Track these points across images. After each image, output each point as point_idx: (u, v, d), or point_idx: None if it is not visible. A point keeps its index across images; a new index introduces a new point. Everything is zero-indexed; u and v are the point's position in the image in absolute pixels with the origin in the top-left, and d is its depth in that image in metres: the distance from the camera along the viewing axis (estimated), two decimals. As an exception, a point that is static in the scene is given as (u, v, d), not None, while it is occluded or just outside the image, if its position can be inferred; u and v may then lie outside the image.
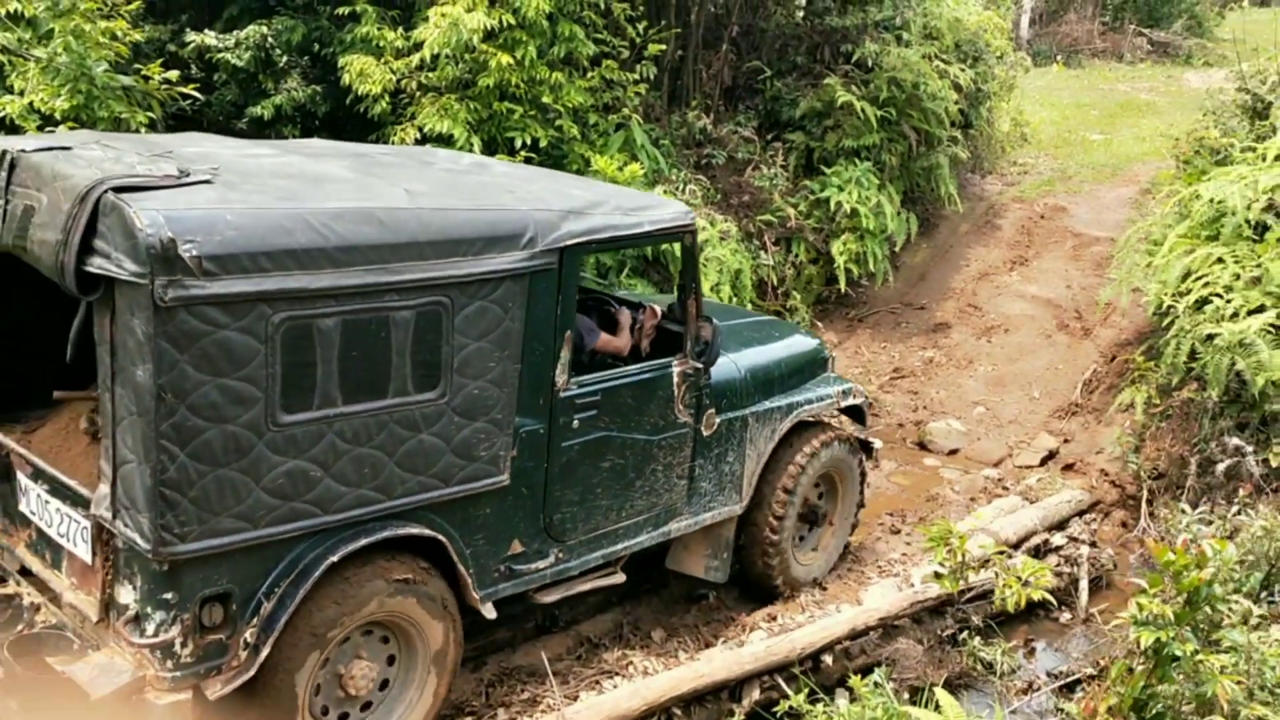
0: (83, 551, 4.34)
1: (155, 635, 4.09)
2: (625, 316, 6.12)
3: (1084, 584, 7.35)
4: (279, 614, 4.25)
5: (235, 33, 10.41)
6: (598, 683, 5.63)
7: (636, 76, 10.44)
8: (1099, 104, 19.38)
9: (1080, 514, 8.15)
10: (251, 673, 4.25)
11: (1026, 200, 13.63)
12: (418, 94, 9.77)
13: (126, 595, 4.17)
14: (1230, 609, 4.24)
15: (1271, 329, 7.14)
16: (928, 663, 6.18)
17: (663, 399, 5.69)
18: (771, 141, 11.66)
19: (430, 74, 9.68)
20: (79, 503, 4.32)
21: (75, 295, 3.95)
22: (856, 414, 7.14)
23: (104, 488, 4.09)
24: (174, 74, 7.68)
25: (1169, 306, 7.91)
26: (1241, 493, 6.72)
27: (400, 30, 9.95)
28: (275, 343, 4.04)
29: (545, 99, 9.74)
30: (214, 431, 3.97)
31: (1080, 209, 13.30)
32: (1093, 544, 7.79)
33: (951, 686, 5.86)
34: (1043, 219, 13.10)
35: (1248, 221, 7.75)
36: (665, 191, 9.86)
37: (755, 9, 12.43)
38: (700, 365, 5.83)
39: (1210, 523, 4.41)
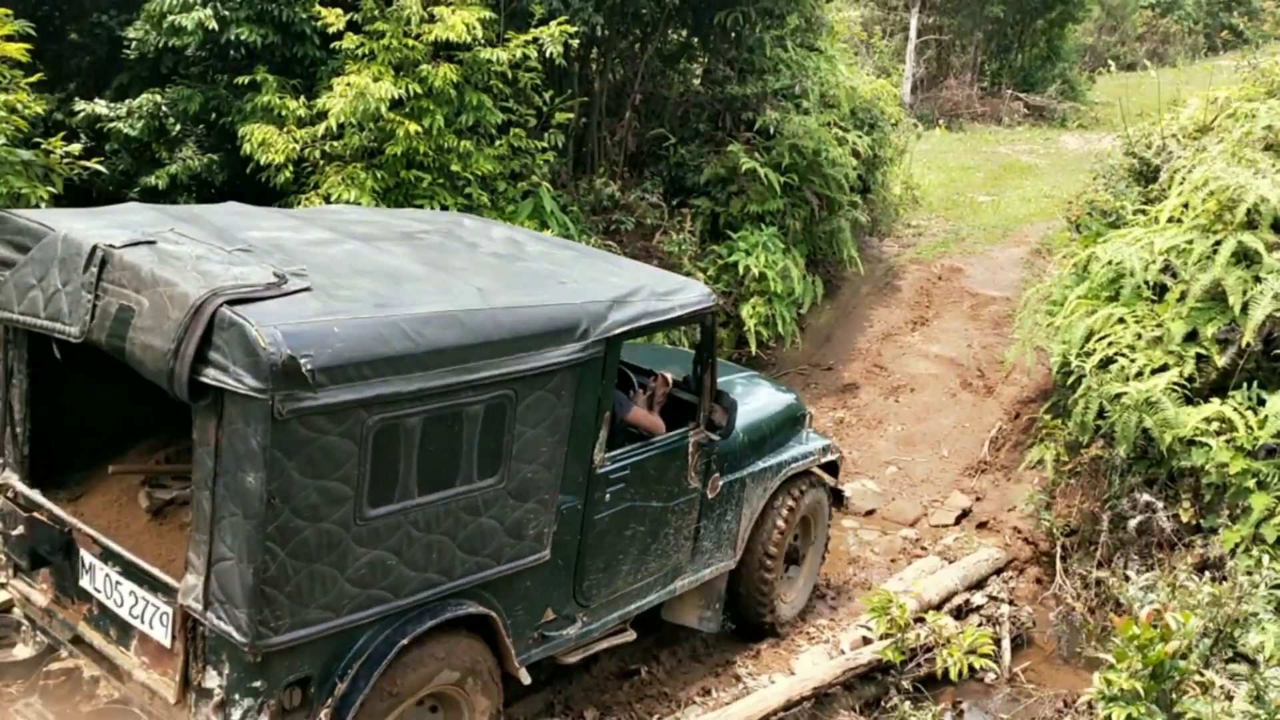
0: (160, 634, 4.46)
1: None
2: (657, 384, 6.45)
3: (1006, 643, 7.40)
4: (353, 695, 4.45)
5: (127, 101, 10.14)
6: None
7: (544, 144, 10.43)
8: (983, 166, 20.04)
9: (997, 572, 8.25)
10: None
11: (923, 261, 13.96)
12: (322, 163, 9.60)
13: (211, 680, 4.31)
14: (1193, 680, 4.30)
15: (1176, 387, 7.35)
16: (871, 735, 6.14)
17: (678, 468, 6.07)
18: (678, 207, 11.74)
19: (335, 143, 9.52)
20: (158, 588, 4.45)
21: (183, 401, 4.06)
22: (832, 469, 7.59)
23: (193, 579, 4.23)
24: (76, 147, 7.39)
25: (1075, 366, 8.09)
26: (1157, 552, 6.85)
27: (302, 99, 9.80)
28: (368, 443, 4.25)
29: (454, 167, 9.65)
30: (310, 530, 4.16)
31: (975, 269, 13.66)
32: (1011, 602, 7.88)
33: (896, 758, 5.83)
34: (940, 280, 13.42)
35: (1146, 282, 7.99)
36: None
37: (655, 77, 12.57)
38: (715, 437, 6.21)
39: (1149, 588, 4.46)
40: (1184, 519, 7.25)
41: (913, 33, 23.45)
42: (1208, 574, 5.97)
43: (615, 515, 5.64)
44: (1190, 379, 7.43)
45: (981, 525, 9.05)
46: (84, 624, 4.89)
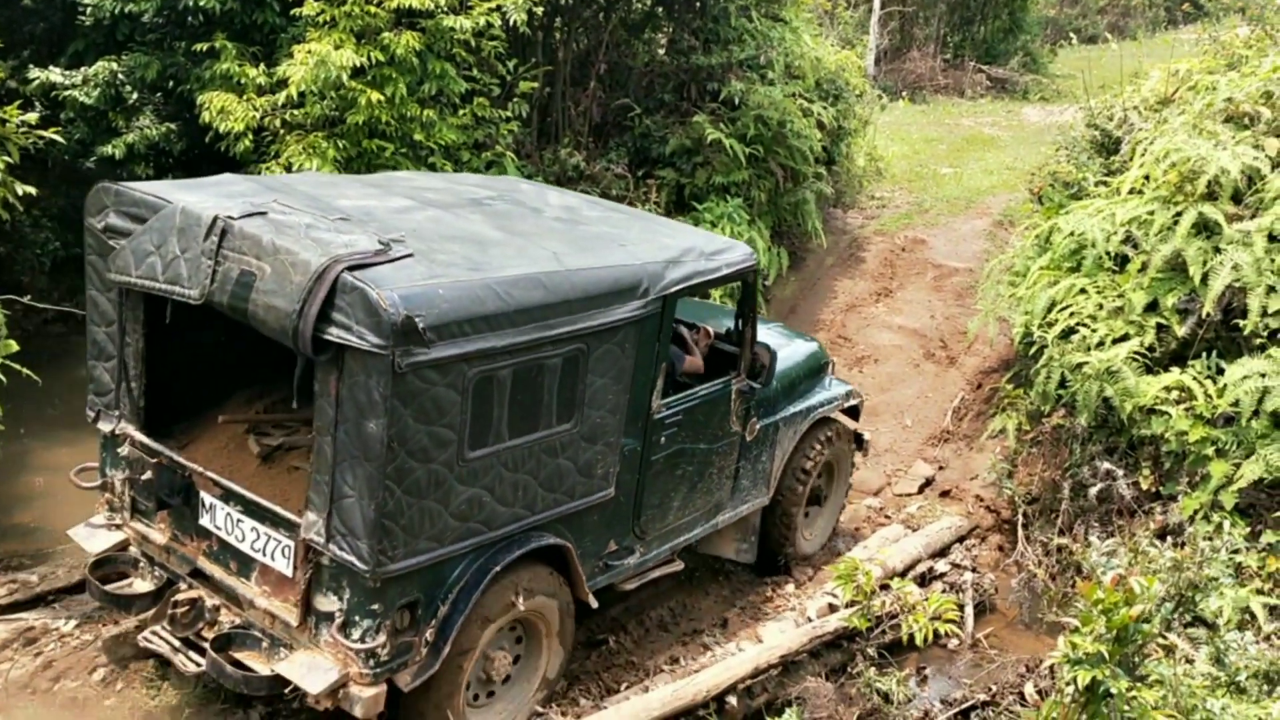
0: (281, 566, 5.01)
1: (362, 640, 4.79)
2: (700, 337, 7.05)
3: (969, 610, 7.49)
4: (454, 617, 5.02)
5: (83, 69, 9.97)
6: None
7: (508, 114, 10.36)
8: (946, 138, 20.10)
9: (960, 540, 8.33)
10: (436, 668, 5.01)
11: (887, 233, 14.01)
12: (282, 132, 9.49)
13: (331, 604, 4.86)
14: (1156, 643, 4.37)
15: (1136, 356, 7.44)
16: (838, 700, 6.19)
17: (722, 413, 6.63)
18: (643, 178, 11.70)
19: (296, 111, 9.41)
20: (280, 524, 4.99)
21: (305, 356, 4.54)
22: (853, 412, 8.08)
23: (314, 516, 4.74)
24: (32, 116, 7.24)
25: (1037, 336, 8.17)
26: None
27: (262, 67, 9.68)
28: (468, 394, 4.76)
29: (417, 136, 9.57)
30: (421, 470, 4.68)
31: (938, 241, 13.73)
32: (974, 569, 7.97)
33: (864, 724, 5.89)
34: (904, 251, 13.47)
35: (1108, 253, 8.07)
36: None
37: (620, 46, 12.49)
38: (754, 384, 6.77)
39: (1111, 554, 4.52)
40: (1144, 486, 7.35)
41: (876, 4, 23.40)
42: (1169, 540, 6.06)
43: (668, 456, 6.22)
44: (1150, 349, 7.52)
45: (944, 494, 9.12)
46: (203, 558, 5.43)
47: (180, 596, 5.41)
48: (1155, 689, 4.15)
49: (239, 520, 5.19)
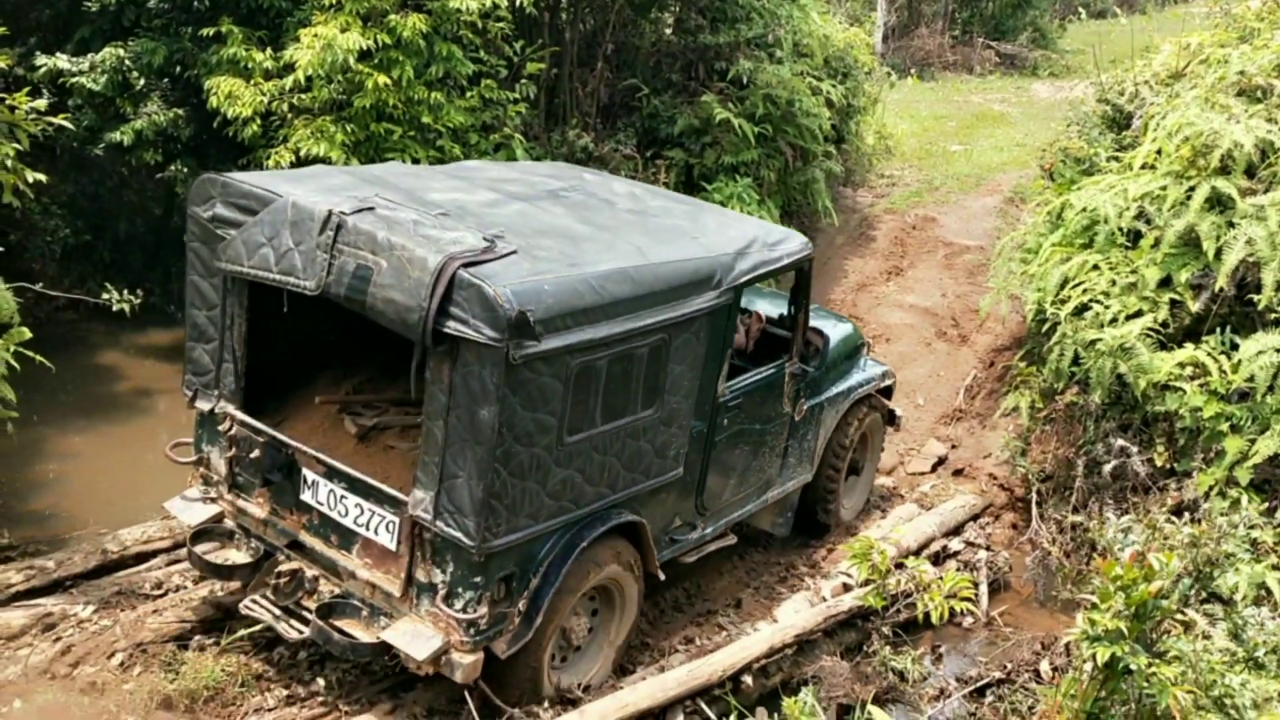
0: (385, 540, 5.31)
1: (465, 610, 5.09)
2: (752, 321, 7.28)
3: (984, 588, 7.49)
4: (545, 588, 5.33)
5: (90, 55, 9.96)
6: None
7: (516, 95, 10.33)
8: (955, 116, 19.99)
9: (974, 518, 8.33)
10: (529, 636, 5.32)
11: (897, 211, 13.95)
12: (290, 116, 9.47)
13: (434, 577, 5.16)
14: (1174, 619, 4.36)
15: (1150, 333, 7.40)
16: (854, 679, 6.20)
17: (776, 395, 6.93)
18: (652, 159, 11.66)
19: (303, 95, 9.40)
20: (385, 501, 5.27)
21: (424, 346, 4.81)
22: (886, 391, 8.38)
23: (421, 494, 5.03)
24: (41, 103, 7.24)
25: (1049, 313, 8.13)
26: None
27: (269, 51, 9.65)
28: (570, 383, 5.07)
29: (425, 119, 9.54)
30: (525, 454, 4.98)
31: (949, 219, 13.66)
32: (988, 548, 7.96)
33: (880, 702, 5.89)
34: (914, 229, 13.41)
35: (1120, 229, 8.02)
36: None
37: (627, 26, 12.44)
38: (806, 368, 7.15)
39: (1127, 530, 4.50)
40: (1158, 463, 7.33)
41: (884, -20, 23.30)
42: (1185, 517, 6.04)
43: (729, 437, 6.52)
44: (1164, 324, 7.49)
45: (958, 472, 9.10)
46: (303, 532, 5.69)
47: (282, 567, 5.70)
48: (1174, 665, 4.14)
49: (342, 496, 5.47)
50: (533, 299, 4.77)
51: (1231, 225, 7.37)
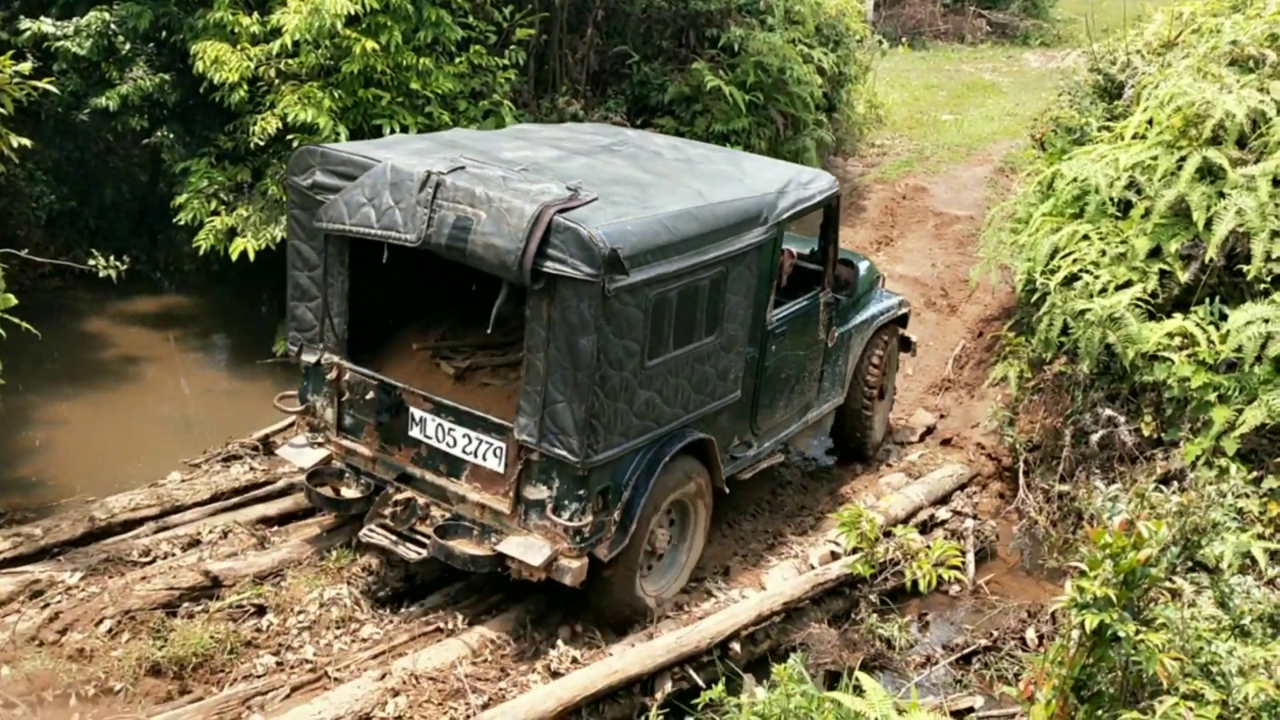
0: (493, 464, 5.94)
1: (571, 520, 5.73)
2: (784, 257, 7.46)
3: (970, 556, 7.52)
4: (635, 500, 5.95)
5: (75, 19, 9.85)
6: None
7: (505, 62, 10.25)
8: (946, 85, 19.95)
9: (961, 487, 8.35)
10: (626, 542, 5.93)
11: (888, 181, 13.93)
12: (277, 81, 9.39)
13: (540, 493, 5.80)
14: (1162, 587, 4.38)
15: (1139, 303, 7.40)
16: (842, 646, 6.23)
17: (814, 323, 7.58)
18: (642, 126, 11.59)
19: (290, 61, 9.31)
20: (491, 429, 5.89)
21: (523, 285, 5.43)
22: (902, 319, 8.95)
23: (525, 420, 5.67)
24: (25, 66, 7.15)
25: (1039, 283, 8.12)
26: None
27: (256, 15, 9.55)
28: (649, 312, 5.67)
29: (413, 85, 9.47)
30: (616, 377, 5.59)
31: (939, 188, 13.65)
32: (975, 517, 7.99)
33: (867, 669, 5.92)
34: (904, 199, 13.40)
35: (1111, 199, 8.00)
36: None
37: (617, -8, 12.35)
38: (838, 297, 7.80)
39: (1115, 499, 4.52)
40: (1145, 433, 7.34)
41: (876, -52, 23.13)
42: (1174, 485, 6.07)
43: (776, 362, 7.15)
44: (1153, 295, 7.48)
45: (946, 442, 9.12)
46: (411, 465, 6.29)
47: (398, 497, 6.26)
48: (1161, 632, 4.17)
49: (450, 429, 6.06)
50: (620, 238, 5.39)
51: (1222, 195, 7.35)
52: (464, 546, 5.99)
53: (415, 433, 6.21)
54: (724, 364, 6.48)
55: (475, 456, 6.01)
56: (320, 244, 6.28)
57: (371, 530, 6.23)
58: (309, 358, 6.52)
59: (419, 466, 6.27)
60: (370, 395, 6.24)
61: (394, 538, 6.19)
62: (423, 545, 6.09)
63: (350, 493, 6.53)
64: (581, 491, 5.72)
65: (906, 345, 9.09)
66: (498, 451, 5.91)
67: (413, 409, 6.19)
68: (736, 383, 6.68)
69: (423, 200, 5.69)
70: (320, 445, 6.64)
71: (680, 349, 6.04)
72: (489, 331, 6.28)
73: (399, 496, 6.27)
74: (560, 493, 5.76)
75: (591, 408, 5.49)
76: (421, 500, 6.25)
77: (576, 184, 5.75)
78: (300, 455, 6.64)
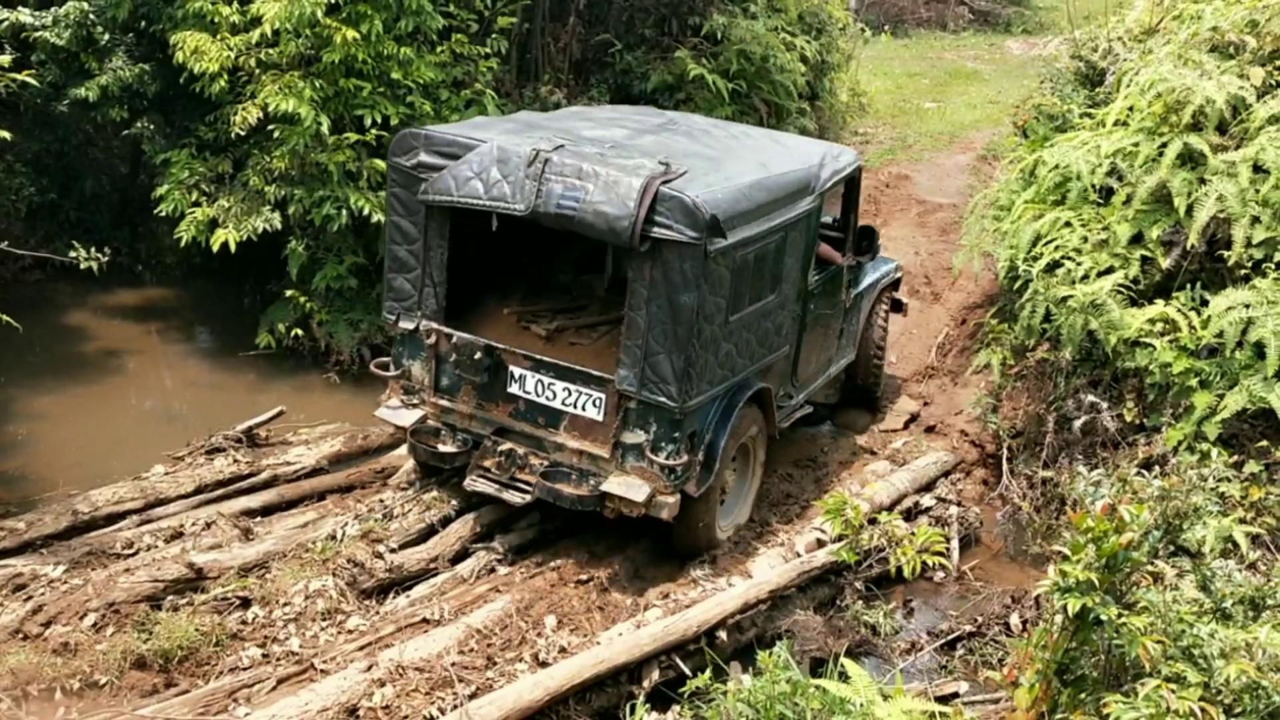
0: (592, 413, 6.58)
1: (667, 459, 6.42)
2: None
3: (955, 543, 7.55)
4: (716, 442, 6.66)
5: (52, 9, 9.76)
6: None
7: (487, 50, 10.20)
8: (929, 73, 19.97)
9: (945, 475, 8.38)
10: (711, 479, 6.65)
11: (871, 169, 13.91)
12: (257, 71, 9.33)
13: (638, 438, 6.47)
14: (1144, 571, 4.41)
15: (1121, 289, 7.44)
16: (827, 633, 6.25)
17: (838, 285, 8.32)
18: (625, 115, 11.56)
19: (271, 50, 9.26)
20: (591, 381, 6.54)
21: (631, 249, 6.11)
22: (895, 283, 9.65)
23: (625, 371, 6.34)
24: (5, 59, 7.09)
25: (1022, 270, 8.15)
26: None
27: (235, 5, 9.48)
28: (733, 272, 6.35)
29: (394, 75, 9.43)
30: (708, 330, 6.27)
31: (922, 176, 13.67)
32: (959, 504, 8.02)
33: (853, 655, 5.95)
34: (888, 187, 13.41)
35: (1093, 186, 8.03)
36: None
37: (599, -21, 12.31)
38: (863, 260, 8.70)
39: (1098, 484, 4.55)
40: (1128, 419, 7.39)
41: (858, -64, 23.10)
42: (1156, 470, 6.10)
43: (813, 319, 7.86)
44: (1135, 281, 7.52)
45: (930, 429, 9.16)
46: (509, 419, 6.85)
47: (501, 448, 6.85)
48: (1144, 616, 4.19)
49: (550, 384, 6.66)
50: (716, 205, 6.08)
51: (1203, 182, 7.39)
52: (567, 489, 6.62)
53: (514, 389, 6.78)
54: (779, 320, 7.20)
55: (574, 408, 6.62)
56: (420, 219, 6.80)
57: (475, 479, 6.86)
58: (407, 325, 7.00)
59: (516, 420, 6.84)
60: (478, 356, 6.76)
61: (498, 485, 6.81)
62: (525, 490, 6.72)
63: (447, 448, 7.04)
64: (676, 434, 6.38)
65: (898, 307, 9.67)
66: (597, 402, 6.55)
67: (512, 367, 6.76)
68: (786, 338, 7.41)
69: (531, 174, 6.27)
70: (415, 406, 7.13)
71: (752, 306, 6.73)
72: (605, 292, 7.54)
73: (501, 447, 6.85)
74: (657, 436, 6.41)
75: (689, 358, 6.18)
76: (520, 450, 6.80)
77: (666, 159, 6.37)
78: (398, 416, 7.14)
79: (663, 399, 6.26)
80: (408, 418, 7.10)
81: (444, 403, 7.03)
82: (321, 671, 5.67)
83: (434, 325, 6.92)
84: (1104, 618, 4.07)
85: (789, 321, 7.36)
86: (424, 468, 7.41)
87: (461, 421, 7.04)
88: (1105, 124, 8.45)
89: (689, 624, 5.93)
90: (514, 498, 6.75)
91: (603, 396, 6.51)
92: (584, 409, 6.59)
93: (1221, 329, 6.94)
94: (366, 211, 9.27)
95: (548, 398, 6.69)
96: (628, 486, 6.45)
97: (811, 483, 8.24)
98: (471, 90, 10.17)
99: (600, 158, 6.37)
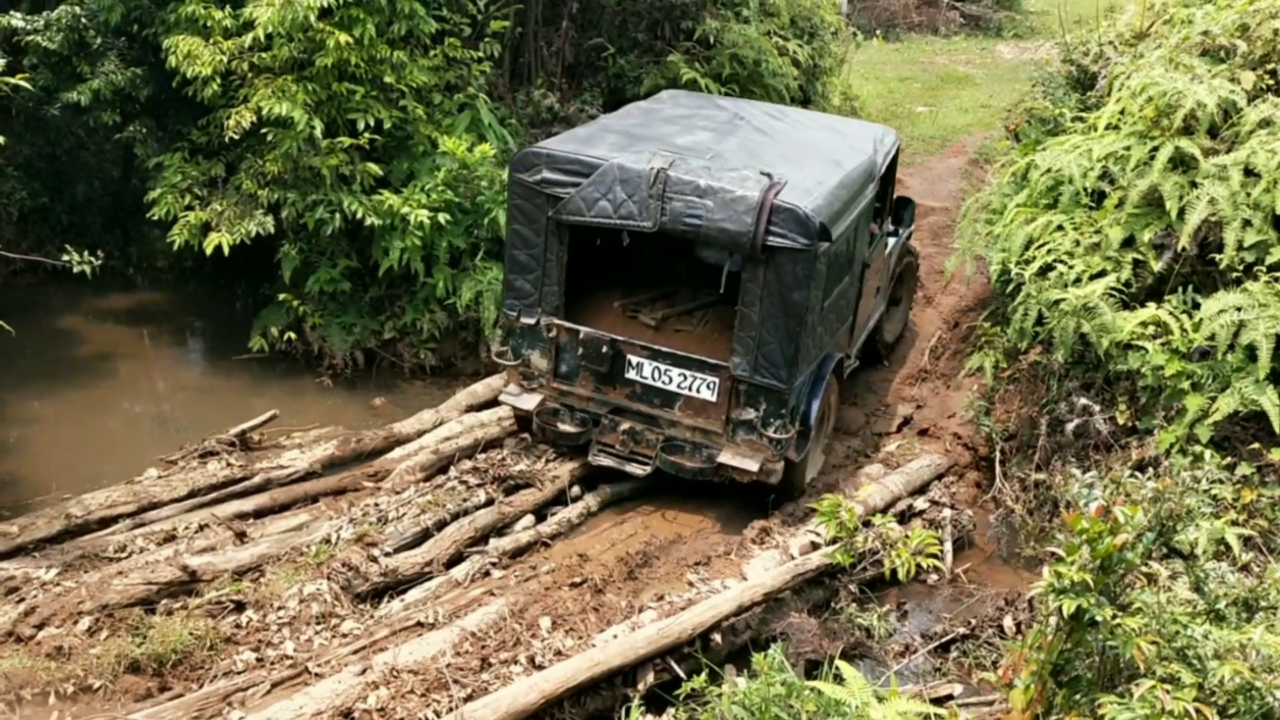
0: (706, 395, 7.37)
1: (776, 433, 7.26)
2: None
3: (948, 546, 7.56)
4: (810, 412, 7.50)
5: (45, 13, 9.75)
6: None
7: (480, 54, 10.20)
8: (920, 77, 20.01)
9: (939, 477, 8.39)
10: (807, 446, 7.51)
11: (863, 173, 13.91)
12: (250, 75, 9.31)
13: (748, 415, 7.30)
14: (1138, 572, 4.42)
15: (1113, 292, 7.47)
16: (822, 635, 6.26)
17: (880, 252, 9.14)
18: (618, 119, 11.55)
19: (264, 54, 9.24)
20: (705, 368, 7.33)
21: (752, 257, 6.91)
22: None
23: (738, 359, 7.19)
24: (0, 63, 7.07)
25: (1014, 273, 8.18)
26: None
27: (228, 9, 9.46)
28: (826, 266, 7.11)
29: (387, 79, 9.42)
30: (809, 319, 7.08)
31: (914, 180, 13.68)
32: (952, 506, 8.03)
33: (847, 657, 5.95)
34: (880, 191, 13.39)
35: (1085, 189, 8.07)
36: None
37: (592, -16, 12.30)
38: (902, 230, 10.10)
39: (1091, 486, 4.56)
40: (1120, 421, 7.41)
41: (849, -60, 23.15)
42: (1150, 471, 6.12)
43: (865, 288, 8.68)
44: (1127, 284, 7.55)
45: (923, 432, 9.15)
46: (625, 400, 7.63)
47: (622, 426, 7.67)
48: (1138, 617, 4.21)
49: (665, 370, 7.44)
50: (820, 213, 6.85)
51: (1194, 185, 7.43)
52: (685, 461, 7.50)
53: (631, 375, 7.54)
54: (849, 296, 8.11)
55: (689, 390, 7.41)
56: (540, 228, 7.48)
57: (598, 453, 7.73)
58: (528, 320, 7.75)
59: (633, 400, 7.60)
60: (604, 350, 7.46)
61: (620, 459, 7.66)
62: (646, 462, 7.59)
63: (567, 427, 7.82)
64: (783, 411, 7.21)
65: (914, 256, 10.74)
66: (710, 385, 7.33)
67: (630, 356, 7.50)
68: (850, 309, 8.31)
69: (654, 194, 7.01)
70: (534, 390, 7.88)
71: (833, 291, 7.54)
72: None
73: (622, 426, 7.65)
74: (766, 413, 7.24)
75: (797, 345, 7.00)
76: (638, 427, 7.59)
77: (765, 170, 7.08)
78: (521, 400, 7.88)
79: (773, 381, 7.11)
80: (530, 401, 7.84)
81: (563, 387, 7.78)
82: (316, 675, 5.66)
83: (555, 320, 7.65)
84: (1099, 619, 4.09)
85: (853, 295, 8.33)
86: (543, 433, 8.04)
87: (579, 403, 7.79)
88: (1097, 128, 8.48)
89: (684, 626, 5.93)
90: (636, 469, 7.61)
91: (715, 380, 7.30)
92: (698, 391, 7.38)
93: (1213, 332, 6.97)
94: (359, 215, 9.26)
95: (664, 381, 7.46)
96: (741, 458, 7.31)
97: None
98: (465, 94, 10.17)
99: (708, 171, 7.08)
